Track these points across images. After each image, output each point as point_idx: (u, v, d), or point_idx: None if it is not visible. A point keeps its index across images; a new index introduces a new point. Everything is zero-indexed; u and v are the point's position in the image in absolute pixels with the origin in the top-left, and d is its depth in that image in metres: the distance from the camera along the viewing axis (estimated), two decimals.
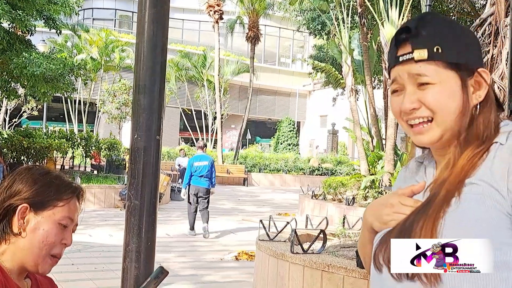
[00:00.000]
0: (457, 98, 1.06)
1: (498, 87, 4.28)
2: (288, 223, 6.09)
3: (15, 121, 29.76)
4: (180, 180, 18.56)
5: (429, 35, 1.08)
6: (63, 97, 22.74)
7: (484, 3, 12.69)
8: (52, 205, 1.34)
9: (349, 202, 11.03)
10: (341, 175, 21.44)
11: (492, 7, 4.85)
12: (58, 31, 14.84)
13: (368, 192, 11.49)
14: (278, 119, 37.64)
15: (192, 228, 10.26)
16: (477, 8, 11.51)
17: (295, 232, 5.23)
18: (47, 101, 16.48)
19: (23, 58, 12.87)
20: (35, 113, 29.03)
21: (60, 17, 14.88)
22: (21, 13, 12.61)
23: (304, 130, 39.95)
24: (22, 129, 19.08)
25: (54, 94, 15.94)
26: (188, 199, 10.36)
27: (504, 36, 4.51)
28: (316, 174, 25.00)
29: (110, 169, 18.47)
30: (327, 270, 4.64)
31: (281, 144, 34.72)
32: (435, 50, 1.06)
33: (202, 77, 30.61)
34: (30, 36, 14.73)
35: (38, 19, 14.14)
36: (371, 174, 12.38)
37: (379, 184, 11.70)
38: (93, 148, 19.38)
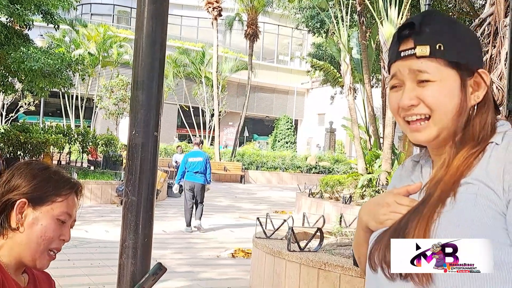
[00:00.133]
0: (456, 97, 1.06)
1: (497, 87, 4.28)
2: (285, 221, 6.10)
3: (12, 116, 29.69)
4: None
5: (432, 32, 1.07)
6: (60, 92, 22.71)
7: (483, 3, 12.69)
8: (51, 201, 1.34)
9: (346, 200, 11.04)
10: (338, 174, 21.46)
11: (491, 7, 4.85)
12: (56, 26, 14.77)
13: (365, 190, 11.50)
14: (276, 117, 37.63)
15: (188, 224, 10.28)
16: (476, 8, 11.51)
17: (292, 230, 5.23)
18: (45, 96, 16.44)
19: (21, 53, 12.82)
20: (32, 108, 28.97)
21: (58, 11, 14.81)
22: (19, 8, 12.56)
23: (301, 128, 39.97)
24: (19, 124, 19.01)
25: (52, 89, 15.90)
26: (184, 195, 10.40)
27: (503, 36, 4.52)
28: (313, 172, 25.01)
29: (107, 165, 18.45)
30: (324, 268, 4.64)
31: (279, 142, 34.72)
32: (437, 47, 1.06)
33: (200, 73, 30.57)
34: (28, 30, 14.68)
35: (36, 13, 14.07)
36: (368, 173, 12.39)
37: (376, 183, 11.71)
38: (90, 143, 19.34)
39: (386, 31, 11.43)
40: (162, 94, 3.11)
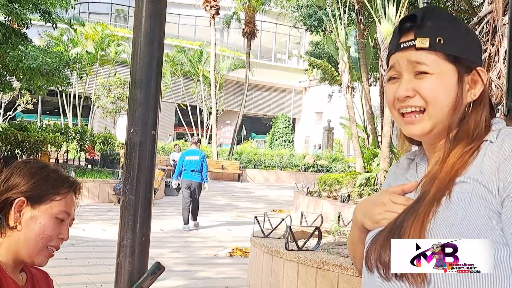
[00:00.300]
0: (452, 92, 1.07)
1: (496, 86, 4.28)
2: (283, 219, 6.09)
3: (9, 115, 29.62)
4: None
5: (433, 26, 1.08)
6: (58, 91, 22.65)
7: (482, 1, 12.70)
8: (49, 199, 1.34)
9: (344, 199, 11.04)
10: (336, 172, 21.46)
11: (490, 5, 4.85)
12: (54, 25, 14.74)
13: (363, 189, 11.51)
14: (273, 115, 37.61)
15: (186, 223, 10.30)
16: (474, 6, 11.50)
17: (290, 229, 5.23)
18: (42, 95, 16.41)
19: (19, 52, 12.80)
20: (30, 106, 28.90)
21: (56, 10, 14.78)
22: (17, 7, 12.54)
23: (299, 127, 39.96)
24: (16, 122, 18.99)
25: (49, 88, 15.88)
26: (182, 193, 10.49)
27: (502, 35, 4.52)
28: (311, 171, 25.00)
29: (104, 164, 18.44)
30: (322, 268, 4.64)
31: (276, 140, 34.71)
32: (437, 40, 1.07)
33: (198, 72, 30.55)
34: (26, 29, 14.65)
35: (34, 12, 14.04)
36: (366, 172, 12.40)
37: (374, 181, 11.71)
38: (88, 142, 19.32)
39: (384, 29, 11.43)
40: (160, 93, 3.11)
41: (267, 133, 37.22)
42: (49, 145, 16.86)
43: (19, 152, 15.43)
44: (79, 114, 29.10)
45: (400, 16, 11.39)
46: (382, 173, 11.61)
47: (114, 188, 13.38)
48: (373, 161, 12.67)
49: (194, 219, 10.52)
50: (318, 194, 12.28)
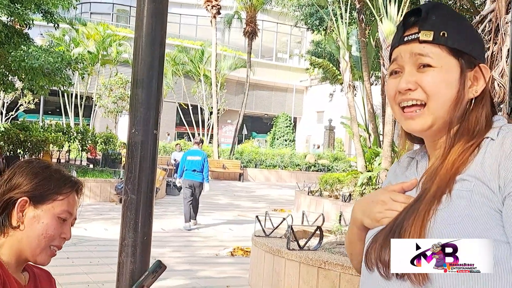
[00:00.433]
0: (454, 87, 1.06)
1: (498, 85, 4.27)
2: (284, 219, 6.09)
3: (11, 114, 29.65)
4: (175, 175, 18.60)
5: (438, 20, 1.08)
6: (59, 90, 22.67)
7: (483, 0, 12.67)
8: (52, 199, 1.34)
9: (345, 198, 11.04)
10: (337, 172, 21.45)
11: (492, 4, 4.83)
12: (56, 25, 14.76)
13: (365, 188, 11.50)
14: (274, 114, 37.58)
15: (187, 221, 10.36)
16: (476, 5, 11.48)
17: (291, 228, 5.23)
18: (44, 95, 16.44)
19: (21, 52, 12.83)
20: (32, 106, 28.93)
21: (58, 10, 14.80)
22: (19, 7, 12.56)
23: (300, 126, 39.93)
24: (18, 122, 19.01)
25: (51, 88, 15.90)
26: (183, 192, 10.58)
27: (504, 33, 4.51)
28: (313, 170, 24.99)
29: (106, 163, 18.45)
30: (323, 267, 4.64)
31: (278, 139, 34.70)
32: (441, 34, 1.07)
33: (199, 72, 30.54)
34: (28, 29, 14.67)
35: (36, 12, 14.07)
36: (368, 171, 12.38)
37: (376, 180, 11.70)
38: (89, 142, 19.34)
39: (386, 29, 11.41)
40: (161, 92, 3.11)
41: (268, 133, 37.21)
42: (51, 145, 16.89)
43: (21, 152, 15.46)
44: (80, 114, 29.12)
45: (401, 15, 11.37)
46: (384, 172, 11.60)
47: (116, 188, 13.39)
48: (375, 160, 12.65)
49: (194, 218, 10.58)
50: (319, 193, 12.27)
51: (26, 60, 12.61)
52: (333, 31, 15.10)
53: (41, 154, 15.94)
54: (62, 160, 19.37)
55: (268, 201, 15.82)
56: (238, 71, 31.38)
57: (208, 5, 25.15)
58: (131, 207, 2.91)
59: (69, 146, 19.40)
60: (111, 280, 5.45)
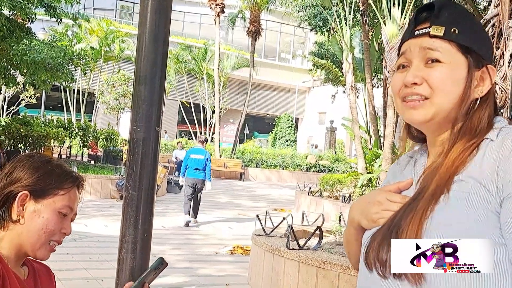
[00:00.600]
0: (460, 85, 1.06)
1: (500, 89, 4.27)
2: (284, 218, 6.10)
3: (13, 109, 29.66)
4: (176, 173, 18.66)
5: (450, 17, 1.08)
6: (61, 86, 22.67)
7: (487, 4, 12.66)
8: (53, 194, 1.34)
9: (345, 199, 11.04)
10: (338, 173, 21.45)
11: (496, 9, 4.83)
12: (59, 20, 14.74)
13: (365, 190, 11.49)
14: (276, 114, 37.57)
15: (187, 213, 10.46)
16: (479, 9, 11.48)
17: (291, 228, 5.23)
18: (46, 90, 16.44)
19: (23, 45, 12.82)
20: (33, 101, 28.94)
21: (61, 5, 14.80)
22: (22, 1, 12.55)
23: (302, 127, 39.92)
24: (20, 117, 19.02)
25: (53, 83, 15.89)
26: (185, 190, 10.70)
27: (507, 38, 4.51)
28: (313, 171, 24.99)
29: (107, 160, 18.45)
30: (323, 267, 4.64)
31: (279, 140, 34.69)
32: (452, 30, 1.07)
33: (202, 70, 30.53)
34: (31, 24, 14.64)
35: (39, 7, 14.06)
36: (368, 172, 12.38)
37: (376, 182, 11.70)
38: (91, 138, 19.34)
39: (389, 31, 11.40)
40: (164, 90, 3.11)
41: (270, 133, 37.20)
42: (52, 140, 16.89)
43: (22, 147, 15.46)
44: (82, 110, 29.14)
45: (405, 18, 11.37)
46: (384, 174, 11.59)
47: (117, 184, 13.40)
48: (375, 162, 12.65)
49: (194, 216, 10.63)
50: (319, 194, 12.27)
51: (28, 54, 12.60)
52: (337, 32, 15.08)
53: (42, 149, 15.94)
54: (63, 156, 19.37)
55: (269, 201, 15.82)
56: (241, 70, 31.37)
57: (212, 4, 25.14)
58: (132, 203, 2.91)
59: (70, 142, 19.40)
60: (110, 276, 5.45)
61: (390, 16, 11.59)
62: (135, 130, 2.93)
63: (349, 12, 13.90)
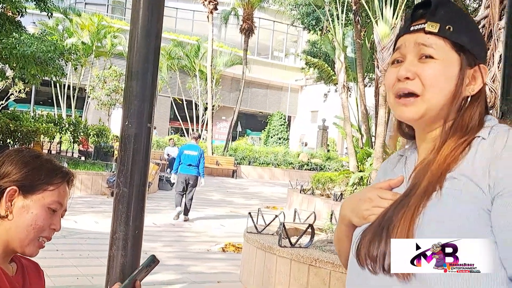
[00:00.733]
0: (452, 82, 1.07)
1: (490, 89, 4.30)
2: (276, 216, 6.10)
3: (2, 104, 29.40)
4: (168, 170, 18.64)
5: (446, 15, 1.10)
6: (52, 81, 22.51)
7: (477, 6, 12.71)
8: (42, 189, 1.32)
9: (337, 197, 11.06)
10: (330, 171, 21.50)
11: (486, 10, 4.85)
12: (49, 14, 14.61)
13: (356, 188, 11.52)
14: (269, 112, 37.59)
15: (178, 205, 10.58)
16: (470, 10, 11.53)
17: (283, 225, 5.23)
18: (36, 84, 16.30)
19: (13, 39, 12.69)
20: (23, 96, 28.69)
21: None
22: None
23: (294, 125, 39.98)
24: (9, 111, 18.85)
25: (43, 78, 15.77)
26: (176, 185, 10.82)
27: (497, 39, 4.53)
28: (305, 169, 25.04)
29: (98, 156, 18.36)
30: (314, 265, 4.64)
31: (272, 137, 34.71)
32: (447, 28, 1.08)
33: (195, 67, 30.45)
34: (21, 17, 14.52)
35: (29, 0, 13.94)
36: (359, 171, 12.42)
37: (367, 181, 11.73)
38: (81, 134, 19.23)
39: (381, 31, 11.42)
40: (156, 85, 3.08)
41: (262, 130, 37.21)
42: (42, 136, 16.77)
43: (11, 142, 15.32)
44: (73, 105, 28.95)
45: (397, 18, 11.39)
46: (375, 172, 11.63)
47: (107, 181, 13.34)
48: (367, 160, 12.69)
49: (186, 214, 10.65)
50: (311, 192, 12.29)
51: (17, 48, 12.48)
52: (329, 31, 15.10)
53: (32, 144, 15.81)
54: (53, 152, 19.25)
55: (261, 198, 15.83)
56: (233, 68, 31.34)
57: (205, 1, 25.07)
58: (123, 200, 2.88)
59: (60, 138, 19.26)
60: (100, 273, 5.42)
61: (382, 16, 11.61)
62: (126, 126, 2.90)
63: (342, 12, 13.91)
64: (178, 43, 30.64)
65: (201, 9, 29.31)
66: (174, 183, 11.40)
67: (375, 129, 12.85)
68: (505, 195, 0.95)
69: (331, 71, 20.46)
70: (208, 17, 25.40)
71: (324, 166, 25.30)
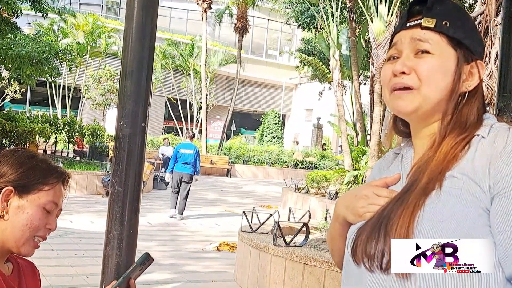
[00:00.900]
0: (449, 77, 1.07)
1: (486, 86, 4.31)
2: (271, 215, 6.10)
3: None
4: (163, 169, 18.62)
5: (442, 10, 1.10)
6: (47, 81, 22.44)
7: (473, 2, 12.76)
8: (37, 189, 1.32)
9: (331, 196, 11.08)
10: (324, 170, 21.52)
11: (482, 6, 4.87)
12: (45, 14, 14.59)
13: (351, 187, 11.55)
14: (263, 111, 37.60)
15: (173, 207, 10.72)
16: (466, 7, 11.56)
17: (278, 224, 5.24)
18: (31, 84, 16.25)
19: (8, 39, 12.67)
20: (19, 96, 28.58)
21: (46, 0, 14.65)
22: None
23: (289, 123, 39.98)
24: (4, 112, 18.77)
25: (39, 78, 15.73)
26: (171, 183, 10.99)
27: (493, 35, 4.55)
28: (300, 168, 25.06)
29: (93, 156, 18.33)
30: (309, 264, 4.65)
31: (266, 136, 34.73)
32: (443, 23, 1.08)
33: (189, 66, 30.42)
34: (16, 18, 14.48)
35: (25, 1, 13.90)
36: (354, 169, 12.44)
37: (362, 179, 11.76)
38: (77, 134, 19.17)
39: (376, 28, 11.44)
40: (151, 85, 3.09)
41: (257, 129, 37.22)
42: (37, 136, 16.70)
43: (7, 142, 15.27)
44: (68, 105, 28.87)
45: (392, 15, 11.42)
46: (370, 171, 11.64)
47: (102, 181, 13.32)
48: (362, 159, 12.71)
49: (180, 213, 10.69)
50: (306, 190, 12.31)
51: (13, 48, 12.46)
52: (324, 29, 15.10)
53: (27, 145, 15.75)
54: (48, 152, 19.18)
55: (255, 197, 15.83)
56: (228, 66, 31.32)
57: (199, 0, 25.05)
58: (118, 199, 2.89)
59: (55, 138, 19.21)
60: (96, 273, 5.42)
61: (377, 13, 11.63)
62: (121, 126, 2.91)
63: (336, 9, 13.93)
64: (172, 42, 30.61)
65: (195, 8, 29.30)
66: (168, 182, 11.50)
67: (370, 127, 12.88)
68: (505, 195, 0.95)
69: (326, 69, 20.47)
70: (202, 16, 25.38)
71: (319, 164, 25.33)
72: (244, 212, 6.20)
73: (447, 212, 0.97)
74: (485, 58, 4.61)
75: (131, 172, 2.90)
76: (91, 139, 19.22)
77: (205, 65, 26.08)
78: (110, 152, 17.32)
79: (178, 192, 10.73)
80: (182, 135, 28.38)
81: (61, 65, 15.75)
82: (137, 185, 2.94)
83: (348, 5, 13.57)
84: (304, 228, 5.30)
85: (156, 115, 33.89)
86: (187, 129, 29.89)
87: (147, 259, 1.34)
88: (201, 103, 27.16)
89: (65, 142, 19.48)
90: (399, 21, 1.16)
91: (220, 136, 27.70)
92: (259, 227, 5.98)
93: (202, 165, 21.89)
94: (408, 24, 1.11)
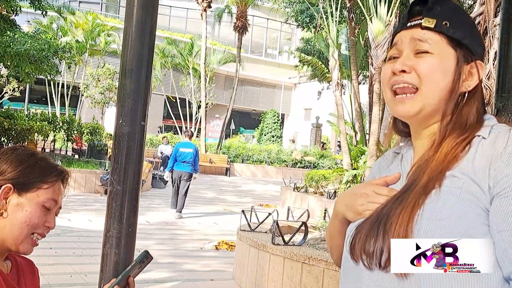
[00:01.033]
0: (449, 77, 1.07)
1: (484, 86, 4.32)
2: (270, 214, 6.11)
3: None
4: (162, 168, 18.63)
5: (443, 11, 1.10)
6: (46, 79, 22.44)
7: (472, 3, 12.77)
8: (37, 187, 1.32)
9: (330, 195, 11.09)
10: (323, 169, 21.53)
11: (481, 7, 4.87)
12: (44, 12, 14.57)
13: (349, 186, 11.55)
14: (262, 110, 37.58)
15: (174, 206, 10.90)
16: (465, 7, 11.56)
17: (277, 223, 5.24)
18: (30, 82, 16.25)
19: (7, 37, 12.66)
20: (17, 94, 28.57)
21: None
22: None
23: (288, 123, 39.99)
24: (3, 110, 18.75)
25: (37, 76, 15.71)
26: (171, 182, 11.11)
27: (492, 36, 4.54)
28: (299, 167, 25.07)
29: (91, 154, 18.32)
30: (308, 263, 4.65)
31: (265, 135, 34.71)
32: (443, 23, 1.08)
33: (188, 65, 30.40)
34: (15, 16, 14.48)
35: None
36: (353, 169, 12.44)
37: (361, 179, 11.76)
38: (75, 132, 19.16)
39: (375, 28, 11.44)
40: (150, 84, 3.09)
41: (256, 128, 37.20)
42: (36, 134, 16.69)
43: (5, 140, 15.25)
44: (67, 103, 28.84)
45: (391, 15, 11.42)
46: (369, 170, 11.64)
47: (101, 179, 13.31)
48: (360, 158, 12.72)
49: (179, 211, 10.73)
50: (305, 189, 12.32)
51: (11, 46, 12.45)
52: (323, 29, 15.10)
53: (26, 142, 15.74)
54: (47, 150, 19.17)
55: (254, 196, 15.84)
56: (227, 65, 31.31)
57: None
58: (117, 198, 2.89)
59: (54, 136, 19.19)
60: (94, 271, 5.43)
61: (376, 13, 11.63)
62: (120, 124, 2.90)
63: (336, 9, 13.93)
64: (171, 41, 30.58)
65: (195, 7, 29.29)
66: (167, 181, 11.57)
67: (369, 127, 12.88)
68: (505, 196, 0.96)
69: (325, 68, 20.47)
70: (201, 15, 25.36)
71: (318, 164, 25.34)
72: (243, 211, 6.21)
73: (446, 210, 0.97)
74: (484, 59, 4.61)
75: (130, 170, 2.90)
76: (90, 138, 19.22)
77: (205, 64, 26.07)
78: (109, 150, 17.32)
79: (177, 190, 10.83)
80: (181, 134, 28.36)
81: (60, 63, 15.76)
82: (136, 183, 2.94)
83: (348, 5, 13.57)
84: (302, 227, 5.31)
85: (155, 113, 33.88)
86: (186, 128, 29.90)
87: (146, 257, 1.34)
88: (200, 102, 27.15)
89: (64, 140, 19.46)
90: (400, 21, 1.16)
91: (219, 135, 27.69)
92: (257, 226, 5.98)
93: (201, 164, 21.88)
94: (408, 24, 1.12)
